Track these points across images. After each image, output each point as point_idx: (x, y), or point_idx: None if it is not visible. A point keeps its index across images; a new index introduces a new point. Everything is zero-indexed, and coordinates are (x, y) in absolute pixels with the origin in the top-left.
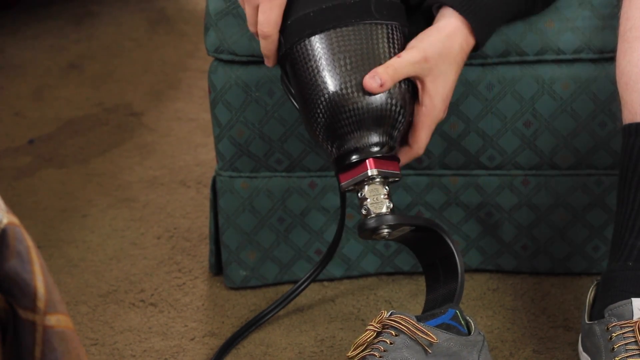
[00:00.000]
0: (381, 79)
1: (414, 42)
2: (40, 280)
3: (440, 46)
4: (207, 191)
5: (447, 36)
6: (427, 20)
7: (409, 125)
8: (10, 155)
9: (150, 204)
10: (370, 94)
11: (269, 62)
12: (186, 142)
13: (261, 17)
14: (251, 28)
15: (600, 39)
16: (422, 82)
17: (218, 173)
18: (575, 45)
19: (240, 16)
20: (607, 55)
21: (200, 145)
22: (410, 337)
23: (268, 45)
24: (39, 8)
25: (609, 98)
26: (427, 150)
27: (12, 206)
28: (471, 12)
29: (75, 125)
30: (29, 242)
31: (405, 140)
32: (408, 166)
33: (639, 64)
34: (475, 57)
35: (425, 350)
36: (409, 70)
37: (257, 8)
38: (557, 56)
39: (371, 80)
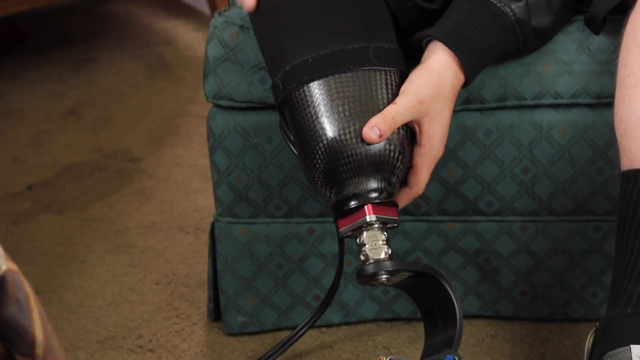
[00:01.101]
0: (380, 129)
1: (406, 86)
2: (38, 327)
3: (433, 86)
4: (205, 237)
5: (438, 74)
6: (417, 52)
7: (408, 170)
8: (9, 201)
9: (149, 250)
10: None
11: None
12: (185, 187)
13: None
14: None
15: (598, 83)
16: (420, 125)
17: (217, 219)
18: (573, 89)
19: (240, 62)
20: (604, 101)
21: (199, 190)
22: None
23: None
24: (38, 54)
25: (607, 144)
26: (425, 196)
27: (10, 252)
28: (460, 47)
29: (74, 170)
30: (28, 289)
31: (405, 181)
32: (406, 212)
33: (637, 110)
34: (473, 102)
35: None
36: (405, 116)
37: None
38: (554, 100)
39: (370, 132)
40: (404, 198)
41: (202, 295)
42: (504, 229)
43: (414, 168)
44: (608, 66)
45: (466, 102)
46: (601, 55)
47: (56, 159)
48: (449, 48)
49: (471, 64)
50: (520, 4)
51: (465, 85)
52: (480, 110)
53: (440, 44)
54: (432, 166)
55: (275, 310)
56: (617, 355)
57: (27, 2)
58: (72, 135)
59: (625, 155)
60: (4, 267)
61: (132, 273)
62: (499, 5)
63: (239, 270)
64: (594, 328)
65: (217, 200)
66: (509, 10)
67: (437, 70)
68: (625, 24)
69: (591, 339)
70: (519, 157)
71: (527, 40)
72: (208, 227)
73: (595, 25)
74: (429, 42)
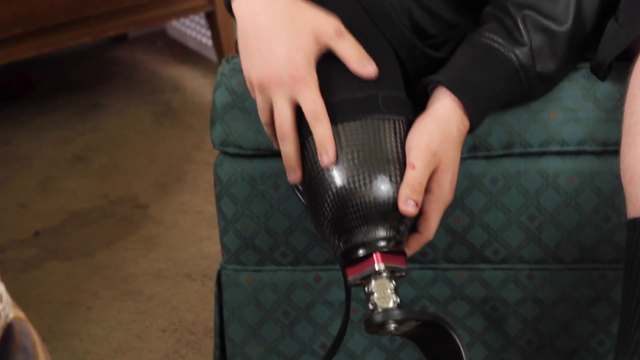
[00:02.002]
0: (413, 200)
1: (416, 139)
2: None
3: (441, 135)
4: (212, 284)
5: (444, 121)
6: (422, 98)
7: (417, 217)
8: (16, 247)
9: (155, 297)
10: (378, 188)
11: (294, 175)
12: (191, 234)
13: (278, 115)
14: (262, 118)
15: (604, 131)
16: (432, 173)
17: (223, 266)
18: (579, 136)
19: (247, 110)
20: (610, 148)
21: (205, 237)
22: None
23: (289, 148)
24: (45, 100)
25: (613, 192)
26: (432, 244)
27: (17, 298)
28: (465, 92)
29: (81, 217)
30: (35, 337)
31: (414, 227)
32: (413, 260)
33: None
34: (479, 150)
35: None
36: (427, 173)
37: (268, 99)
38: (561, 148)
39: (406, 207)
40: (414, 244)
41: (209, 343)
42: (511, 277)
43: (423, 214)
44: (614, 113)
45: (473, 149)
46: (607, 103)
47: (63, 206)
48: (454, 93)
49: (476, 110)
50: (524, 49)
51: (470, 131)
52: (486, 157)
53: (444, 89)
54: (442, 212)
55: (282, 358)
56: None
57: (34, 48)
58: (78, 182)
59: (631, 203)
60: (11, 315)
61: (138, 320)
62: (502, 50)
63: (246, 318)
64: None
65: (224, 247)
66: (513, 56)
67: (443, 117)
68: (631, 71)
69: None
70: (525, 205)
71: (531, 86)
72: (214, 275)
73: (601, 72)
74: (434, 88)
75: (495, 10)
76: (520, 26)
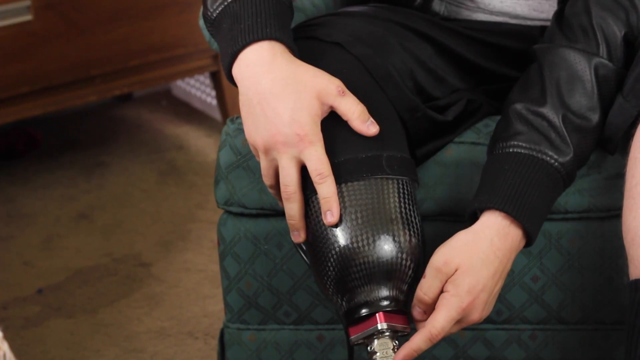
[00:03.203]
0: (420, 307)
1: (436, 251)
2: None
3: (464, 246)
4: (214, 342)
5: (473, 233)
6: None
7: (419, 279)
8: (19, 305)
9: (158, 355)
10: (382, 248)
11: (298, 236)
12: (194, 293)
13: (283, 175)
14: (266, 180)
15: (608, 199)
16: (451, 276)
17: (226, 325)
18: (583, 206)
19: (251, 169)
20: (614, 213)
21: (208, 296)
22: None
23: (294, 208)
24: (50, 158)
25: (616, 253)
26: None
27: (20, 356)
28: (521, 213)
29: (84, 275)
30: None
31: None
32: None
33: None
34: None
35: None
36: (435, 282)
37: (273, 161)
38: (564, 215)
39: (413, 310)
40: (418, 337)
41: None
42: (514, 338)
43: (435, 308)
44: (618, 181)
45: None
46: (611, 172)
47: (66, 263)
48: (510, 215)
49: (534, 227)
50: (569, 157)
51: (527, 245)
52: None
53: (495, 211)
54: (454, 315)
55: None
56: None
57: (40, 107)
58: (82, 240)
59: (633, 265)
60: None
61: None
62: (550, 161)
63: None
64: None
65: (227, 306)
66: (559, 166)
67: (474, 230)
68: (633, 136)
69: None
70: (528, 265)
71: (571, 183)
72: (217, 333)
73: (611, 146)
74: (483, 209)
75: (529, 114)
76: (565, 133)
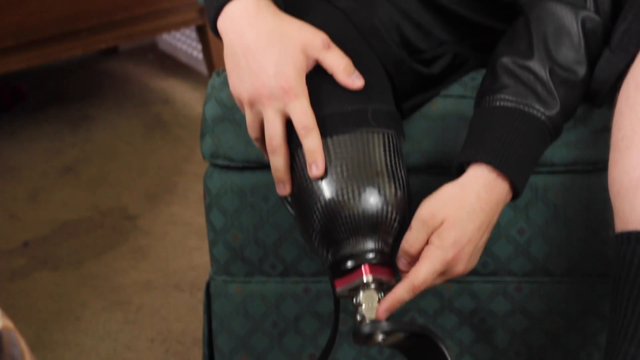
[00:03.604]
0: (405, 259)
1: (422, 203)
2: None
3: (450, 199)
4: (201, 295)
5: (460, 186)
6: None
7: (404, 232)
8: (5, 258)
9: (144, 308)
10: (367, 201)
11: (284, 188)
12: (181, 245)
13: (268, 129)
14: (251, 133)
15: (594, 152)
16: (436, 229)
17: (212, 277)
18: (569, 159)
19: (237, 122)
20: (600, 166)
21: (194, 249)
22: None
23: (279, 161)
24: (36, 111)
25: (602, 206)
26: None
27: (6, 308)
28: (508, 166)
29: (70, 228)
30: (23, 346)
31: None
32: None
33: (630, 172)
34: None
35: None
36: (420, 234)
37: (258, 114)
38: (550, 168)
39: (398, 262)
40: (400, 288)
41: (197, 353)
42: (500, 290)
43: (419, 259)
44: (604, 134)
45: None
46: (598, 125)
47: (52, 216)
48: (498, 168)
49: (521, 180)
50: (556, 110)
51: (514, 199)
52: None
53: (482, 164)
54: (437, 266)
55: None
56: None
57: (25, 60)
58: (68, 193)
59: (618, 217)
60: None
61: (127, 330)
62: (537, 115)
63: (234, 329)
64: None
65: (213, 258)
66: (546, 119)
67: (461, 183)
68: (619, 88)
69: None
70: (514, 218)
71: (558, 136)
72: (203, 285)
73: (597, 99)
74: (470, 163)
75: (516, 68)
76: (552, 86)
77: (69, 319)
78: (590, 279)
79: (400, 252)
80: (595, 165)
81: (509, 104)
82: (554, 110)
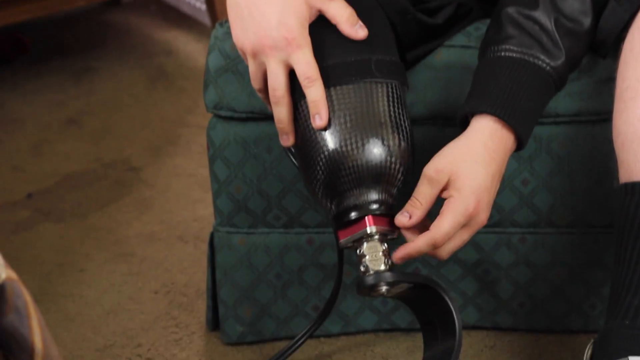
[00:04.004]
0: (408, 212)
1: (430, 161)
2: (37, 335)
3: (458, 153)
4: (204, 246)
5: (465, 139)
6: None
7: (408, 183)
8: (9, 210)
9: (148, 259)
10: (371, 151)
11: (287, 139)
12: (184, 197)
13: (272, 79)
14: (254, 84)
15: (599, 102)
16: (448, 183)
17: (216, 229)
18: (574, 110)
19: (240, 73)
20: (604, 117)
21: (198, 200)
22: None
23: (283, 112)
24: (39, 63)
25: (606, 157)
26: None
27: (10, 260)
28: (512, 117)
29: (74, 180)
30: (27, 297)
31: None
32: None
33: (635, 123)
34: None
35: None
36: (428, 190)
37: (261, 65)
38: (554, 119)
39: (401, 216)
40: (421, 240)
41: (201, 305)
42: (503, 241)
43: (440, 213)
44: (609, 84)
45: None
46: (603, 75)
47: (56, 168)
48: (503, 119)
49: (526, 131)
50: (561, 60)
51: (519, 149)
52: None
53: (486, 115)
54: (459, 218)
55: (274, 320)
56: None
57: (28, 12)
58: (72, 145)
59: (623, 168)
60: (3, 276)
61: (130, 282)
62: (542, 65)
63: (238, 280)
64: (592, 340)
65: (217, 210)
66: (551, 70)
67: (466, 136)
68: (624, 38)
69: (589, 351)
70: (518, 169)
71: (563, 86)
72: (207, 237)
73: (603, 50)
74: (474, 114)
75: (521, 18)
76: (557, 36)
77: (73, 271)
78: (594, 230)
79: (406, 206)
80: (599, 116)
81: (514, 55)
82: (559, 61)
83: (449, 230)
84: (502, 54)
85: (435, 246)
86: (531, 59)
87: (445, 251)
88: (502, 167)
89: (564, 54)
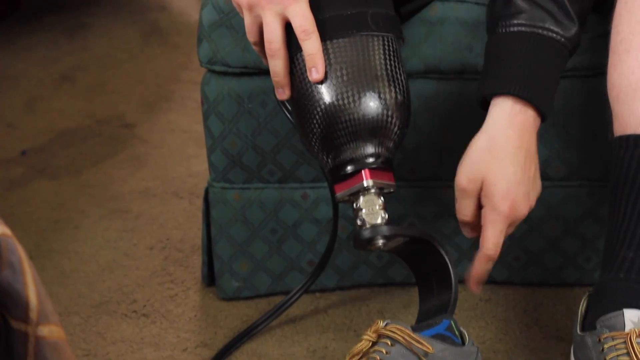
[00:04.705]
0: (461, 223)
1: (458, 169)
2: (32, 291)
3: (483, 155)
4: (199, 202)
5: (486, 134)
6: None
7: (404, 136)
8: (3, 166)
9: (143, 215)
10: (367, 105)
11: (283, 93)
12: (179, 153)
13: (268, 32)
14: (250, 38)
15: (593, 57)
16: (482, 188)
17: (210, 184)
18: (569, 65)
19: (234, 27)
20: (598, 71)
21: (193, 156)
22: (406, 347)
23: (279, 65)
24: (32, 20)
25: (601, 111)
26: (420, 162)
27: (4, 217)
28: (535, 96)
29: (68, 136)
30: (22, 254)
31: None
32: (401, 177)
33: (630, 76)
34: (469, 72)
35: None
36: (465, 201)
37: (257, 18)
38: None
39: (465, 233)
40: (477, 262)
41: (196, 261)
42: None
43: (482, 227)
44: (604, 39)
45: (461, 72)
46: (596, 30)
47: (50, 125)
48: (521, 97)
49: (548, 105)
50: (574, 30)
51: (542, 119)
52: (476, 80)
53: (508, 96)
54: (500, 225)
55: (270, 275)
56: (611, 320)
57: None
58: (65, 101)
59: (617, 121)
60: None
61: (126, 238)
62: (557, 38)
63: (233, 236)
64: (587, 293)
65: (211, 165)
66: (566, 41)
67: (487, 130)
68: None
69: (585, 304)
70: None
71: (575, 52)
72: (202, 193)
73: (606, 6)
74: (495, 95)
75: None
76: (567, 5)
77: (68, 227)
78: (588, 184)
79: (459, 223)
80: (594, 70)
81: (527, 29)
82: (572, 31)
83: (495, 242)
84: (514, 29)
85: (493, 259)
86: (545, 32)
87: (498, 252)
88: (531, 147)
89: (576, 22)
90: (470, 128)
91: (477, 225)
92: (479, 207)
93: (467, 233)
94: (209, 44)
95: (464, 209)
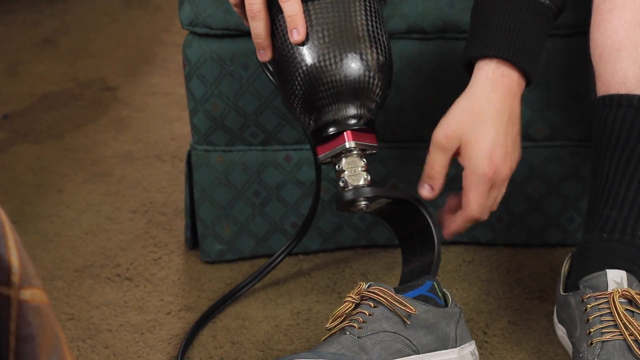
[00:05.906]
0: (428, 183)
1: (437, 127)
2: (14, 255)
3: (463, 115)
4: (182, 165)
5: (468, 96)
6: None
7: (386, 98)
8: None
9: (126, 179)
10: (349, 66)
11: (264, 54)
12: (161, 116)
13: None
14: None
15: (574, 15)
16: (459, 150)
17: (193, 147)
18: None
19: None
20: (580, 30)
21: (175, 119)
22: (389, 309)
23: (260, 27)
24: None
25: (583, 70)
26: (402, 123)
27: None
28: (518, 58)
29: (50, 100)
30: (3, 217)
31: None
32: (383, 139)
33: (612, 36)
34: (450, 31)
35: (404, 322)
36: (440, 157)
37: None
38: None
39: (422, 190)
40: (459, 219)
41: (180, 224)
42: None
43: (463, 190)
44: None
45: (443, 31)
46: None
47: (32, 89)
48: (507, 60)
49: (533, 69)
50: None
51: (527, 85)
52: (458, 40)
53: (491, 59)
54: (482, 187)
55: (253, 238)
56: (593, 280)
57: None
58: (47, 65)
59: (600, 81)
60: None
61: (109, 202)
62: (542, 1)
63: (216, 198)
64: (570, 253)
65: (194, 128)
66: (550, 3)
67: (470, 92)
68: None
69: (567, 264)
70: None
71: (561, 14)
72: (185, 156)
73: None
74: (478, 58)
75: None
76: None
77: (51, 191)
78: (571, 144)
79: (423, 178)
80: (576, 29)
81: None
82: None
83: (479, 203)
84: None
85: (476, 220)
86: None
87: (486, 215)
88: (514, 110)
89: None
90: (453, 89)
91: (439, 185)
92: (448, 166)
93: (426, 192)
94: (191, 6)
95: (435, 163)
